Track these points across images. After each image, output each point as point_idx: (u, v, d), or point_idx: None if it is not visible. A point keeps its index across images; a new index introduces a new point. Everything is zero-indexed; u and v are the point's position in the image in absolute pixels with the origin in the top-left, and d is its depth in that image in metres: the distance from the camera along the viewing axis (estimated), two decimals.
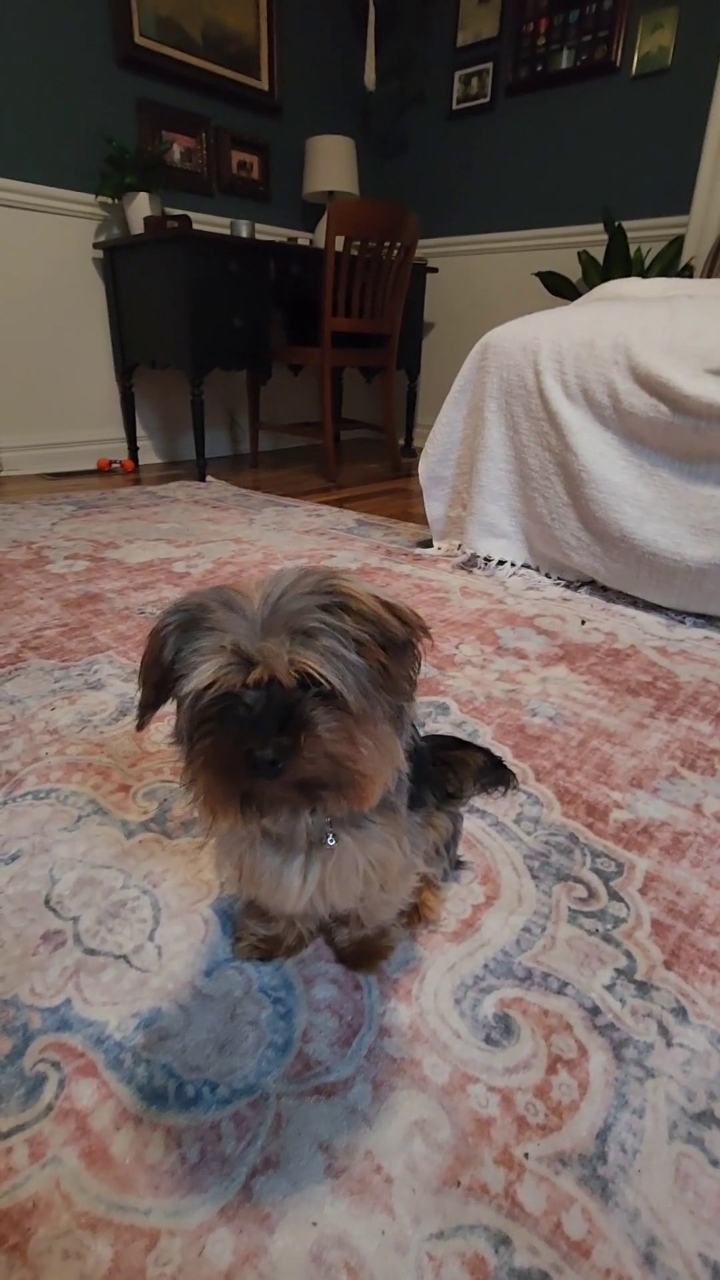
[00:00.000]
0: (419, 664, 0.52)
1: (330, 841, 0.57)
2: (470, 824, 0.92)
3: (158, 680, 0.51)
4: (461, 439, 1.90)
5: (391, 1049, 0.63)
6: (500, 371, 1.74)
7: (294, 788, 0.47)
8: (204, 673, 0.46)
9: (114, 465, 3.39)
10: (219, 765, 0.47)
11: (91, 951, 0.71)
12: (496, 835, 0.90)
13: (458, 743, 1.04)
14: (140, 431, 3.53)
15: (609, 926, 0.76)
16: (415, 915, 0.76)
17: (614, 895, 0.81)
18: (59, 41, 2.82)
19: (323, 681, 0.46)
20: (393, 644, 0.48)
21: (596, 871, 0.84)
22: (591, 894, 0.81)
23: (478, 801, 0.96)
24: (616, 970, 0.71)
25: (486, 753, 1.00)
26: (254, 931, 0.72)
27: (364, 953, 0.72)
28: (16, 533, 2.16)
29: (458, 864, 0.84)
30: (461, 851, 0.87)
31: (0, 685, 1.23)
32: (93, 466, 3.38)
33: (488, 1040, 0.64)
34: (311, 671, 0.45)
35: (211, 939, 0.74)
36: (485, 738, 1.12)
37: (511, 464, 1.79)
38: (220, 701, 0.47)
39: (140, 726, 0.54)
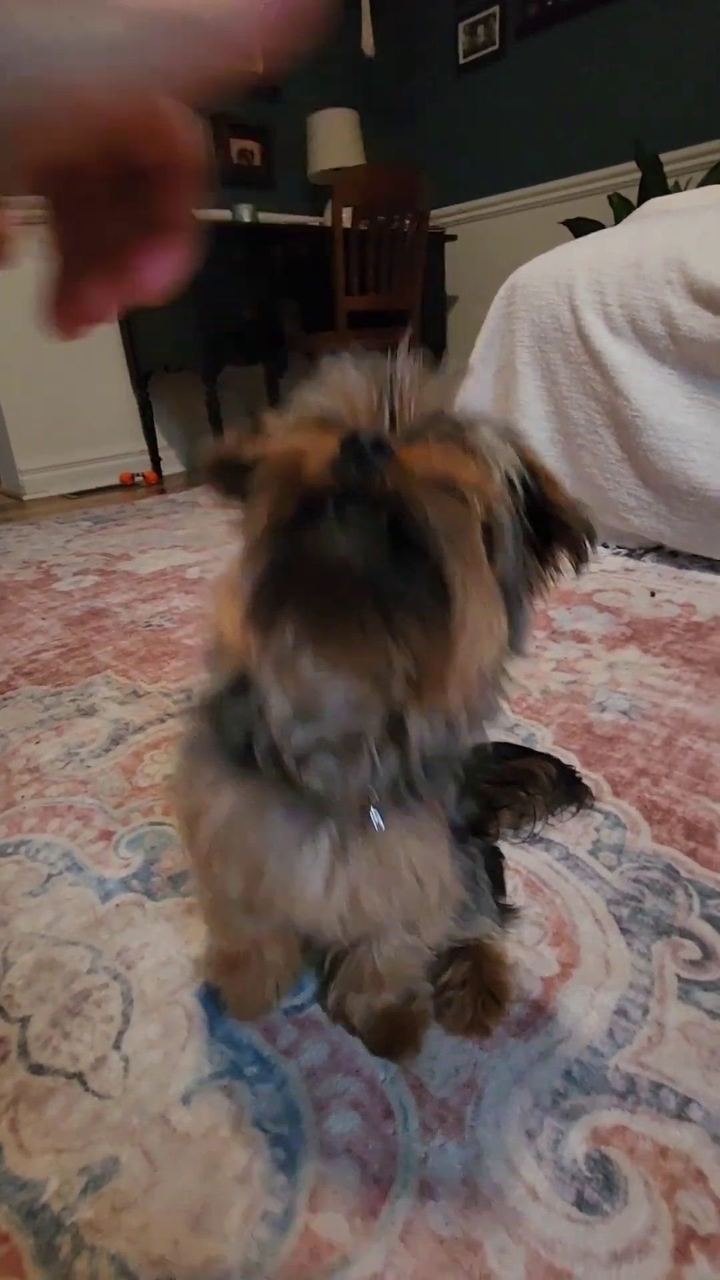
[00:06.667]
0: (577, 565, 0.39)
1: (377, 822, 0.40)
2: (532, 859, 0.71)
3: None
4: (492, 399, 1.68)
5: (438, 1222, 0.43)
6: (531, 315, 1.52)
7: (373, 552, 0.30)
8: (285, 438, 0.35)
9: (136, 478, 3.28)
10: (280, 515, 0.32)
11: (38, 1069, 0.54)
12: (569, 873, 0.69)
13: (518, 750, 0.83)
14: (161, 441, 3.42)
15: None
16: (486, 1000, 0.56)
17: None
18: None
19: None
20: (558, 520, 0.37)
21: (709, 919, 0.63)
22: (707, 953, 0.59)
23: (539, 827, 0.75)
24: None
25: (556, 762, 0.80)
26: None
27: (396, 1032, 0.54)
28: (28, 553, 2.05)
29: (505, 910, 0.62)
30: (521, 898, 0.67)
31: None
32: (115, 482, 3.29)
33: (580, 1203, 0.43)
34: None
35: (195, 1044, 0.55)
36: (544, 743, 0.91)
37: (551, 420, 1.55)
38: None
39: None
